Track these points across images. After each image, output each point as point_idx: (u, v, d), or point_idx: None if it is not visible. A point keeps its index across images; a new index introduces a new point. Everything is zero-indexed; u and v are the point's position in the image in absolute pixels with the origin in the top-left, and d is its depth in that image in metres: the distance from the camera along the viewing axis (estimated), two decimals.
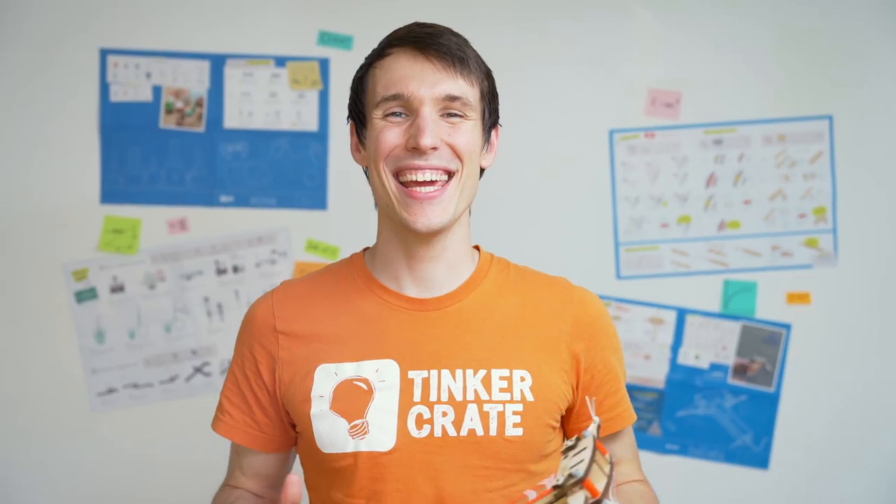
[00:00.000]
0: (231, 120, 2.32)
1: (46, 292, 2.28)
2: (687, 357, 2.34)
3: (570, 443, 1.09)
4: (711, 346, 2.34)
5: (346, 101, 1.27)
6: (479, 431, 1.16)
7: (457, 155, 1.17)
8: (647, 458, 2.27)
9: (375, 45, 1.25)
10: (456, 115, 1.17)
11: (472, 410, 1.16)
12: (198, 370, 2.31)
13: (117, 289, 2.30)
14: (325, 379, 1.19)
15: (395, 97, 1.16)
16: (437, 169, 1.16)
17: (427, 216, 1.16)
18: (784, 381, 2.32)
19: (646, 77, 2.35)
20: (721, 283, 2.34)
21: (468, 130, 1.18)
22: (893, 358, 2.31)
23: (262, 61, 2.32)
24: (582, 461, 1.03)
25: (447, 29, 1.20)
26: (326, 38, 2.32)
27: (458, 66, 1.16)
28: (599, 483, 1.02)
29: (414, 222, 1.16)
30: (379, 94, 1.17)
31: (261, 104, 2.32)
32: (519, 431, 1.17)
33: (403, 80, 1.15)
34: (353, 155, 1.26)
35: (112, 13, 2.28)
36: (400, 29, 1.21)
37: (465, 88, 1.17)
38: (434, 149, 1.14)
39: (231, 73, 2.32)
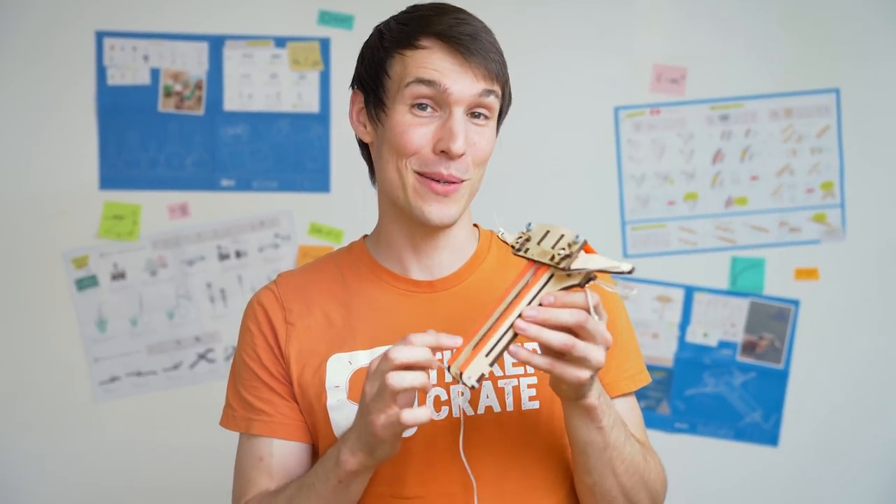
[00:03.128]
0: (231, 102, 2.28)
1: (46, 281, 2.24)
2: (695, 335, 2.33)
3: (521, 237, 1.06)
4: (720, 324, 2.32)
5: (348, 82, 1.24)
6: (497, 408, 1.16)
7: (475, 160, 1.17)
8: (657, 436, 2.28)
9: (381, 22, 1.21)
10: (483, 115, 1.16)
11: (487, 388, 1.16)
12: (202, 357, 2.29)
13: (118, 276, 2.27)
14: (339, 369, 1.18)
15: (430, 83, 1.13)
16: (456, 179, 1.16)
17: (443, 209, 1.15)
18: (793, 358, 2.31)
19: (651, 53, 2.32)
20: (729, 259, 2.33)
21: (489, 136, 1.18)
22: None
23: (261, 42, 2.28)
24: (563, 236, 1.00)
25: (481, 25, 1.18)
26: (327, 18, 2.28)
27: (492, 70, 1.15)
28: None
29: (430, 212, 1.15)
30: (411, 74, 1.14)
31: (261, 86, 2.29)
32: (535, 405, 1.16)
33: (440, 72, 1.13)
34: (357, 127, 1.23)
35: None
36: (430, 15, 1.17)
37: (493, 97, 1.16)
38: (461, 155, 1.14)
39: (230, 54, 2.28)
